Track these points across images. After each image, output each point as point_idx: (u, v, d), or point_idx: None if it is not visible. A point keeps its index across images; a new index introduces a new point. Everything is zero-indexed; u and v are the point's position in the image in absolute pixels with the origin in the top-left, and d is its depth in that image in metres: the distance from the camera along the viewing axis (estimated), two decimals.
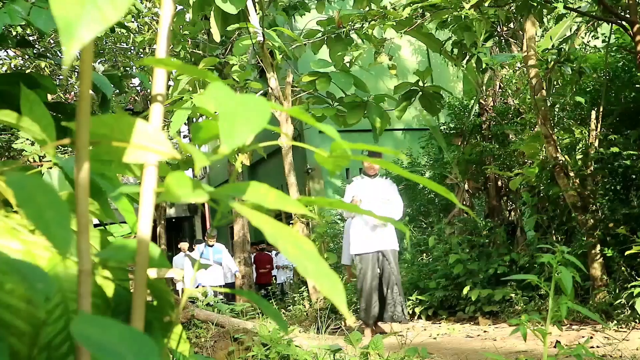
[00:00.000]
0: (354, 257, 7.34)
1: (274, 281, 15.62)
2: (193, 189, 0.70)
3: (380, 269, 6.96)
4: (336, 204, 0.79)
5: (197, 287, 11.99)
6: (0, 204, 0.86)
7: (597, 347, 4.04)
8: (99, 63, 17.86)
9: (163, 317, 0.86)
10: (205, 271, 12.50)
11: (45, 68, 18.29)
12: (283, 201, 0.76)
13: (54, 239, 0.60)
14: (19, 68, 16.39)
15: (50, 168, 1.22)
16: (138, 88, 19.63)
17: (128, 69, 17.04)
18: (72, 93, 17.37)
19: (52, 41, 17.10)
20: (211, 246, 13.25)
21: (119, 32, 17.13)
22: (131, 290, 0.86)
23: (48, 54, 18.59)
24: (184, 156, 11.91)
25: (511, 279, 1.66)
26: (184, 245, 15.12)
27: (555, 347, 3.06)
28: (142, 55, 18.49)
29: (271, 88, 10.84)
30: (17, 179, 0.65)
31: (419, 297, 7.88)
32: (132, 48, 18.74)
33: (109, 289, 0.87)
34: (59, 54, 19.26)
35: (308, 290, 10.02)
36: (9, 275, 0.73)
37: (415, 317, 7.89)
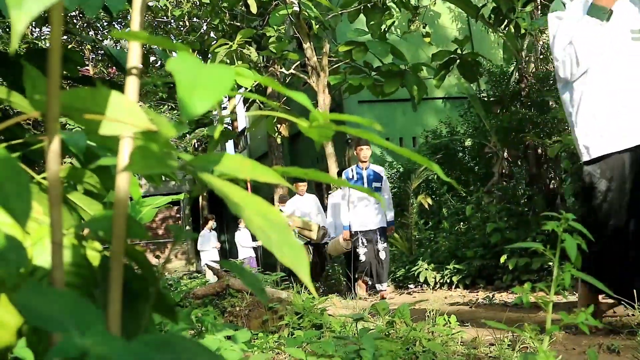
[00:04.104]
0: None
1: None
2: (160, 159, 0.70)
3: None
4: (311, 174, 0.79)
5: (354, 233, 8.24)
6: None
7: (632, 315, 3.98)
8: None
9: (149, 287, 0.87)
10: (363, 210, 8.21)
11: (86, 44, 18.54)
12: (258, 171, 0.76)
13: (13, 211, 0.61)
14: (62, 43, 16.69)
15: None
16: None
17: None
18: (114, 67, 17.58)
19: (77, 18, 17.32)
20: (366, 168, 8.31)
21: (157, 6, 17.25)
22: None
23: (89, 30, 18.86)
24: (213, 129, 12.00)
25: (517, 246, 1.62)
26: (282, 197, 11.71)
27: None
28: (181, 29, 18.63)
29: (308, 58, 10.81)
30: None
31: (457, 266, 7.85)
32: (172, 21, 18.88)
33: (97, 260, 0.88)
34: (94, 30, 19.51)
35: None
36: None
37: (453, 286, 7.87)
